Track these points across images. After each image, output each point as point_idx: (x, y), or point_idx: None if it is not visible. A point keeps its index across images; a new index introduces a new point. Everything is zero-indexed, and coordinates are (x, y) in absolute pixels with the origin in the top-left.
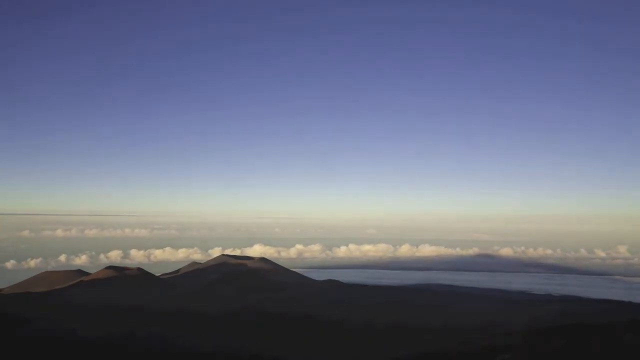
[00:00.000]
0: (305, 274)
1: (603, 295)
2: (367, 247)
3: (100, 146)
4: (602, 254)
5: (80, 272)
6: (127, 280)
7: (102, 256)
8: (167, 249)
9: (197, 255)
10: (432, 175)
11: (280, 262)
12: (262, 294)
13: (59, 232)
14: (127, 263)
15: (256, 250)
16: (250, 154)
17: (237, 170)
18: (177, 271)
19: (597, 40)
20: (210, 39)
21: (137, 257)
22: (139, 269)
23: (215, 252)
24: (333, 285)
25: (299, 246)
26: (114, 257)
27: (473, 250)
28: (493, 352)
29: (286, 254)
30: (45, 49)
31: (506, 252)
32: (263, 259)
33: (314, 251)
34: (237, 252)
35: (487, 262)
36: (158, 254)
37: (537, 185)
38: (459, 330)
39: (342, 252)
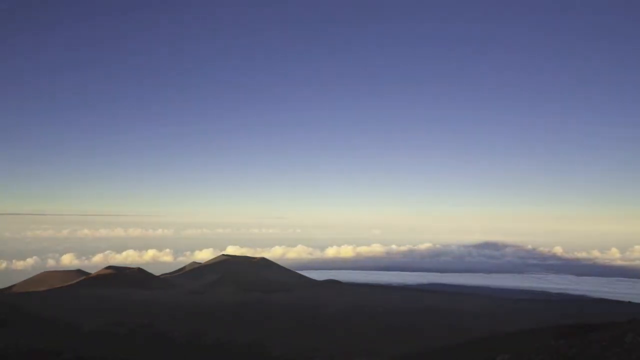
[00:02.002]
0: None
1: (604, 295)
2: (363, 248)
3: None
4: (618, 254)
5: (80, 272)
6: (127, 280)
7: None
8: (130, 251)
9: (168, 257)
10: (433, 174)
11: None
12: (263, 294)
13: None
14: (86, 265)
15: (230, 252)
16: (245, 156)
17: (232, 171)
18: (177, 271)
19: (602, 36)
20: (209, 41)
21: (96, 260)
22: (139, 269)
23: (187, 255)
24: (334, 285)
25: (279, 247)
26: (67, 260)
27: (476, 250)
28: (493, 352)
29: (268, 255)
30: (44, 48)
31: (509, 252)
32: (263, 259)
33: (299, 252)
34: (209, 253)
35: (488, 262)
36: (119, 257)
37: (544, 185)
38: (459, 330)
39: (340, 252)
